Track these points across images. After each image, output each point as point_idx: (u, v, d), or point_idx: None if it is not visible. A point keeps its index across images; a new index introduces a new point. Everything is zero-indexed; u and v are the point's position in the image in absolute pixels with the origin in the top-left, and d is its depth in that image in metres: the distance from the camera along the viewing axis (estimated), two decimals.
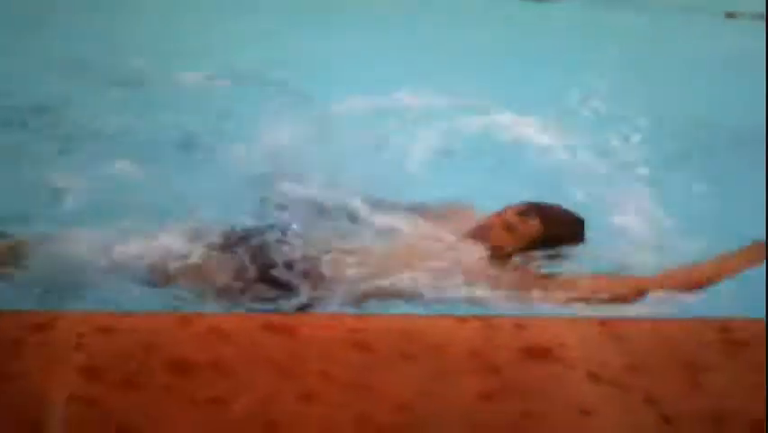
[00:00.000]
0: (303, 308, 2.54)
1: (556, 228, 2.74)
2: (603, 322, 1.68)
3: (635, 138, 4.05)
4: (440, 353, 1.58)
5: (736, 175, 3.79)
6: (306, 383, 1.50)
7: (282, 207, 2.99)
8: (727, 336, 1.66)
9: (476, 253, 2.72)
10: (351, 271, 2.64)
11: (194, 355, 1.56)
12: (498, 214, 2.78)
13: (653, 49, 5.76)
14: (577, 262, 2.81)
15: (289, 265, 2.64)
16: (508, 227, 2.72)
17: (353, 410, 1.44)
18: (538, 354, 1.58)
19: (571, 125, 4.12)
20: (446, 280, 2.61)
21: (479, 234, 2.76)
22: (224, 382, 1.50)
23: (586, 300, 2.56)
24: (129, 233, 2.76)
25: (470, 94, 4.24)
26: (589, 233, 2.89)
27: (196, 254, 2.68)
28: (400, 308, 2.57)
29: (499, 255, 2.72)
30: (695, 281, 2.63)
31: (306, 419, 1.43)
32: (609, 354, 1.58)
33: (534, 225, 2.72)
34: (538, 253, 2.76)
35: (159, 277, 2.66)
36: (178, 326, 1.64)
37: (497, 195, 3.20)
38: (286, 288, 2.60)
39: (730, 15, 7.17)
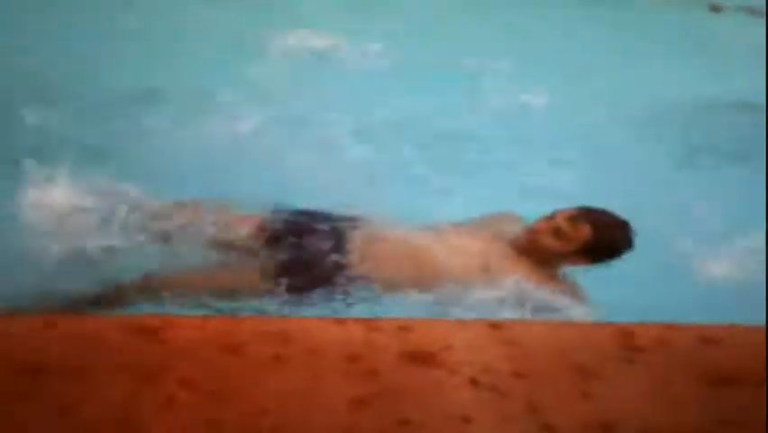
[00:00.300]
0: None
1: (606, 233, 2.68)
2: (494, 325, 1.58)
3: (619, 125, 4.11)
4: (315, 356, 1.48)
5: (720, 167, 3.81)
6: (167, 389, 1.39)
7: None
8: (626, 341, 1.58)
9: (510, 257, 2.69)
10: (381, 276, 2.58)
11: (51, 359, 1.45)
12: (547, 218, 2.71)
13: (639, 40, 5.77)
14: None
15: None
16: (558, 233, 2.66)
17: (210, 417, 1.33)
18: (421, 358, 1.48)
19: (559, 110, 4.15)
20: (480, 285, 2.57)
21: (525, 239, 2.71)
22: (79, 387, 1.40)
23: None
24: None
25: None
26: None
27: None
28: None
29: (544, 261, 2.69)
30: None
31: (160, 426, 1.33)
32: (496, 358, 1.49)
33: (584, 231, 2.66)
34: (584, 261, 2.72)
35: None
36: (39, 328, 1.53)
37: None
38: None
39: (714, 8, 7.17)
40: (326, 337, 1.53)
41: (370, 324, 1.58)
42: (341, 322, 1.58)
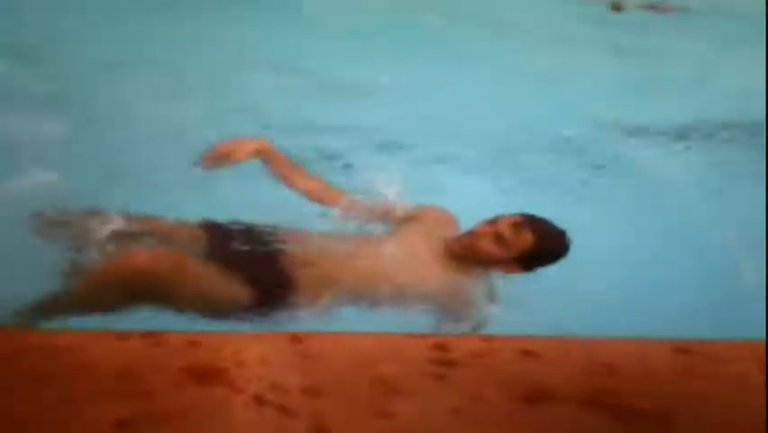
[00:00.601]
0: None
1: (546, 242, 2.62)
2: (294, 337, 1.44)
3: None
4: (81, 375, 1.30)
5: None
6: None
7: None
8: (438, 354, 1.45)
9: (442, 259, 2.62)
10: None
11: None
12: (490, 223, 2.64)
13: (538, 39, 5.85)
14: None
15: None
16: (499, 238, 2.58)
17: None
18: (205, 375, 1.32)
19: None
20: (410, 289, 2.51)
21: (462, 243, 2.63)
22: None
23: None
24: None
25: None
26: None
27: None
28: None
29: (476, 264, 2.61)
30: None
31: None
32: (288, 374, 1.34)
33: (526, 238, 2.58)
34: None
35: None
36: None
37: None
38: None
39: (616, 7, 7.27)
40: (100, 353, 1.36)
41: (155, 338, 1.41)
42: (122, 336, 1.41)
